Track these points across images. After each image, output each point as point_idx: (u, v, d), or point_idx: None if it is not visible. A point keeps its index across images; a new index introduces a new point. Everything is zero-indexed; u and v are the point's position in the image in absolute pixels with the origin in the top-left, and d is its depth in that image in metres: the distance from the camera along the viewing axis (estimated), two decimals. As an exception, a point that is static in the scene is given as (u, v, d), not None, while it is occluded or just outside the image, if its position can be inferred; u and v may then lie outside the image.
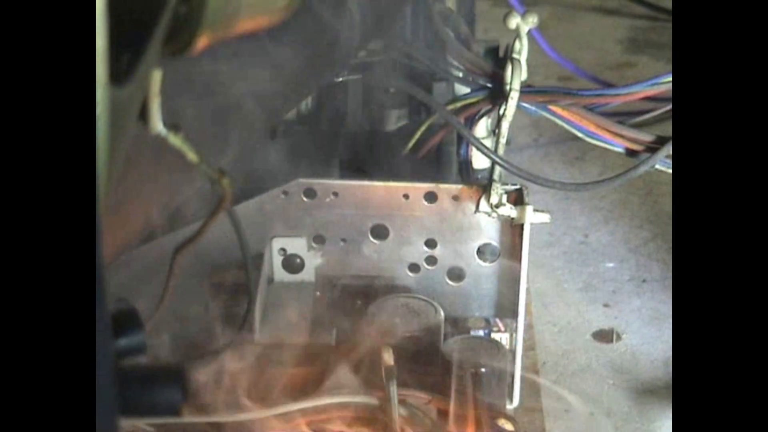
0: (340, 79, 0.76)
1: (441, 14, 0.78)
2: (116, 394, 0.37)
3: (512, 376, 0.71)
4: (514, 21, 0.69)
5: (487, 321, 0.75)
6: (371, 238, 0.71)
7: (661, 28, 1.46)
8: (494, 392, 0.66)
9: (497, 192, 0.69)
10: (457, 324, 0.74)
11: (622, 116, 1.04)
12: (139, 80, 0.38)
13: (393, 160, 0.78)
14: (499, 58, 0.78)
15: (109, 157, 0.36)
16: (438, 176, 0.78)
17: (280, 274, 0.71)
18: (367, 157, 0.80)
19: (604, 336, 0.89)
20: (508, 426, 0.63)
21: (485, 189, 0.69)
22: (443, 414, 0.63)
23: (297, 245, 0.71)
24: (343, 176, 0.74)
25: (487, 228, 0.70)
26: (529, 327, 0.82)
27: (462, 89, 0.76)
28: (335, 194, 0.70)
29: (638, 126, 0.90)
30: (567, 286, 0.95)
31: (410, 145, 0.76)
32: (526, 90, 0.69)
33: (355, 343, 0.67)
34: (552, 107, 0.70)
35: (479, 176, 0.77)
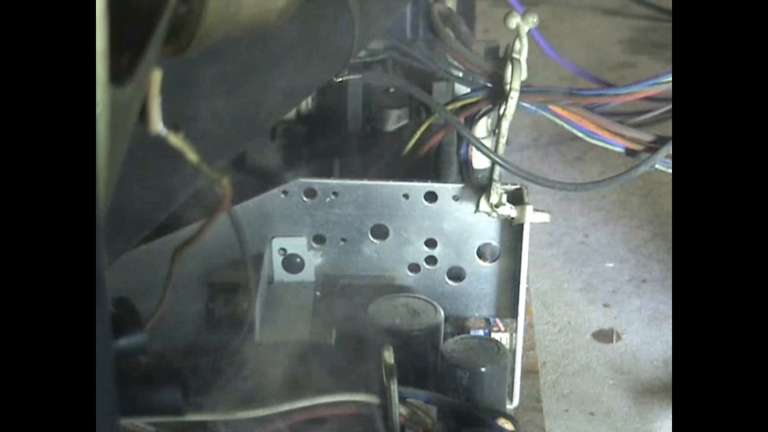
0: (340, 79, 0.76)
1: (441, 14, 0.78)
2: (116, 394, 0.37)
3: (512, 376, 0.71)
4: (514, 21, 0.69)
5: (487, 321, 0.75)
6: (371, 238, 0.71)
7: (661, 28, 1.46)
8: (494, 392, 0.66)
9: (497, 192, 0.69)
10: (457, 324, 0.74)
11: (622, 116, 1.04)
12: (139, 80, 0.38)
13: (393, 160, 0.78)
14: (499, 58, 0.78)
15: (109, 157, 0.36)
16: (438, 176, 0.78)
17: (280, 274, 0.71)
18: (367, 157, 0.80)
19: (604, 336, 0.89)
20: (508, 426, 0.63)
21: (485, 189, 0.69)
22: (443, 414, 0.63)
23: (297, 245, 0.71)
24: (342, 176, 0.74)
25: (487, 228, 0.70)
26: (529, 327, 0.83)
27: (462, 89, 0.76)
28: (335, 194, 0.70)
29: (638, 126, 0.90)
30: (567, 286, 0.95)
31: (410, 145, 0.76)
32: (526, 90, 0.69)
33: (355, 342, 0.67)
34: (552, 107, 0.70)
35: (479, 176, 0.77)
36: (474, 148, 0.73)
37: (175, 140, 0.41)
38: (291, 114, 0.81)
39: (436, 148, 0.77)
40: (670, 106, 1.07)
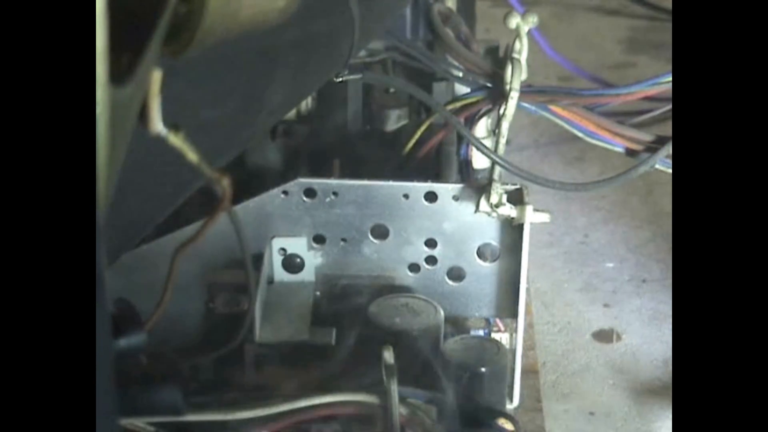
0: (340, 79, 0.76)
1: (441, 14, 0.78)
2: (116, 394, 0.37)
3: (512, 376, 0.71)
4: (514, 21, 0.69)
5: (487, 321, 0.75)
6: (371, 238, 0.71)
7: (661, 28, 1.46)
8: (494, 392, 0.66)
9: (497, 192, 0.69)
10: (457, 324, 0.74)
11: (622, 116, 1.04)
12: (139, 80, 0.38)
13: (393, 160, 0.78)
14: (499, 58, 0.78)
15: (109, 157, 0.36)
16: (438, 176, 0.78)
17: (280, 274, 0.71)
18: (367, 157, 0.80)
19: (604, 336, 0.89)
20: (508, 426, 0.63)
21: (485, 189, 0.69)
22: (443, 414, 0.63)
23: (297, 245, 0.71)
24: (343, 176, 0.74)
25: (487, 228, 0.70)
26: (529, 327, 0.83)
27: (462, 89, 0.76)
28: (335, 194, 0.70)
29: (638, 126, 0.90)
30: (567, 286, 0.95)
31: (410, 145, 0.76)
32: (526, 90, 0.69)
33: (356, 342, 0.67)
34: (552, 107, 0.70)
35: (479, 176, 0.77)
36: (474, 148, 0.73)
37: (175, 140, 0.41)
38: (291, 114, 0.81)
39: (436, 148, 0.77)
40: (670, 106, 1.07)
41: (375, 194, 0.70)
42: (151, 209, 0.58)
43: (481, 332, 0.74)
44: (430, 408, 0.62)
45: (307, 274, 0.71)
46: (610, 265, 0.98)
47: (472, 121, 0.75)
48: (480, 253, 0.71)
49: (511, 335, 0.75)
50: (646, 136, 0.69)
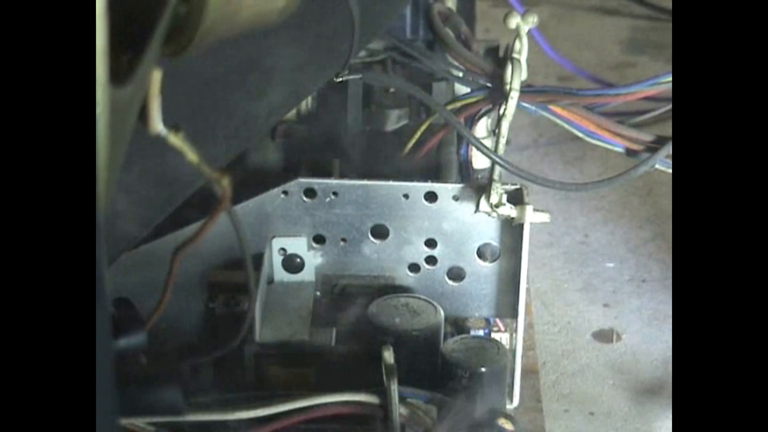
0: (340, 79, 0.76)
1: (441, 14, 0.78)
2: (116, 394, 0.37)
3: (512, 376, 0.71)
4: (514, 21, 0.69)
5: (487, 321, 0.75)
6: (371, 238, 0.71)
7: (661, 28, 1.46)
8: (494, 392, 0.66)
9: (497, 192, 0.69)
10: (457, 324, 0.74)
11: (622, 116, 1.04)
12: (139, 80, 0.38)
13: (393, 160, 0.78)
14: (499, 58, 0.78)
15: (109, 157, 0.36)
16: (438, 176, 0.78)
17: (280, 274, 0.71)
18: (367, 158, 0.80)
19: (604, 336, 0.89)
20: (508, 426, 0.63)
21: (485, 189, 0.69)
22: (443, 414, 0.63)
23: (297, 245, 0.71)
24: (342, 176, 0.74)
25: (487, 228, 0.70)
26: (529, 327, 0.82)
27: (462, 89, 0.76)
28: (335, 194, 0.70)
29: (638, 126, 0.90)
30: (567, 286, 0.95)
31: (410, 145, 0.76)
32: (526, 90, 0.69)
33: (355, 342, 0.67)
34: (552, 107, 0.70)
35: (479, 176, 0.77)
36: (474, 148, 0.73)
37: (175, 140, 0.41)
38: (291, 114, 0.81)
39: (436, 148, 0.77)
40: (670, 106, 1.07)
41: (375, 194, 0.70)
42: (151, 209, 0.58)
43: (481, 332, 0.74)
44: (430, 408, 0.62)
45: (307, 274, 0.71)
46: (610, 265, 0.98)
47: (472, 121, 0.75)
48: (480, 253, 0.71)
49: (511, 335, 0.75)
50: (646, 136, 0.69)
